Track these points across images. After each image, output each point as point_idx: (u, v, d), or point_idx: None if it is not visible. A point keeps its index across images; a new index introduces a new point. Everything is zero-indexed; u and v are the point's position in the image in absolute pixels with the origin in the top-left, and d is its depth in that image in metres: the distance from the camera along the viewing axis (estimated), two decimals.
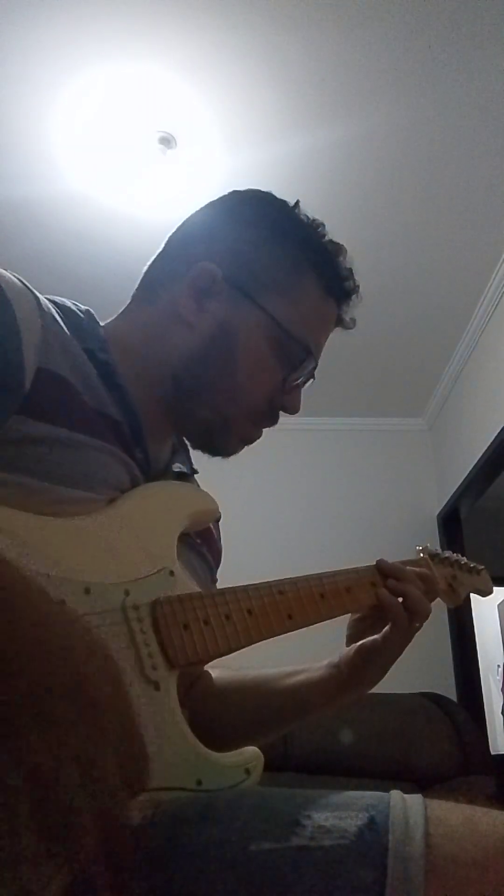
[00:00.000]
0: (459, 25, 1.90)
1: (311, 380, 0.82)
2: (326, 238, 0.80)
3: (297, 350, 0.76)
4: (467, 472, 3.16)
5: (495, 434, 2.84)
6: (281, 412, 0.80)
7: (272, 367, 0.76)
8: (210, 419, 0.76)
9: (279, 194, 0.82)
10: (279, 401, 0.78)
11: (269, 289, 0.76)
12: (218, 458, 0.81)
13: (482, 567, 0.96)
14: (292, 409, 0.80)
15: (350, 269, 0.81)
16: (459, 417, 3.38)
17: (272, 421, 0.80)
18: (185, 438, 0.84)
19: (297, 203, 0.81)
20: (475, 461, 3.06)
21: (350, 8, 1.86)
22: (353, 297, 0.82)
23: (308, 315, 0.77)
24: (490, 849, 0.45)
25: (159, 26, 1.92)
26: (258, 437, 0.81)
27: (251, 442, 0.81)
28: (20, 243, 2.64)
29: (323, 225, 0.81)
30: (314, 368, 0.80)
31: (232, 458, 0.81)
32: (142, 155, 2.28)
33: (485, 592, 0.96)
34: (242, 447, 0.81)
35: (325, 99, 2.11)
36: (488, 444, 2.92)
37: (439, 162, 2.31)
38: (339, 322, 0.83)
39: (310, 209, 0.81)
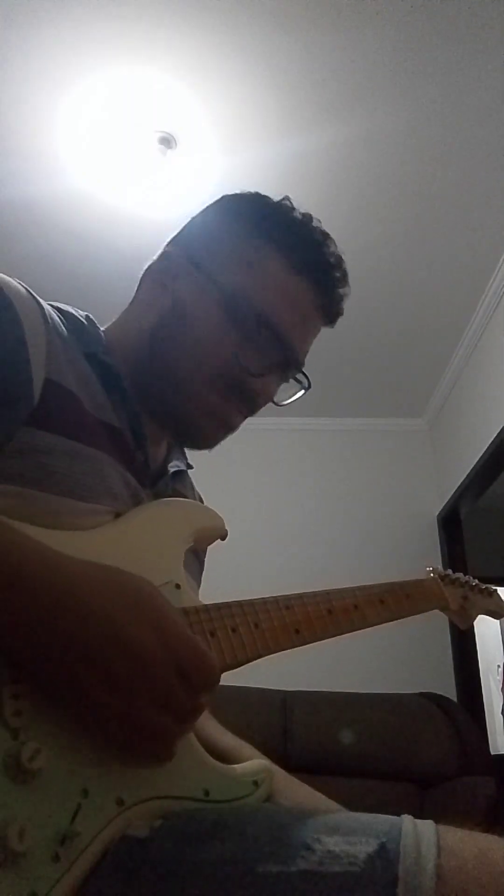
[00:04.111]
0: (459, 26, 1.90)
1: (292, 370, 0.78)
2: (313, 225, 0.78)
3: (251, 317, 0.73)
4: (467, 472, 3.15)
5: (495, 434, 2.84)
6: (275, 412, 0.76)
7: (224, 333, 0.73)
8: (173, 399, 0.74)
9: (278, 194, 0.80)
10: (247, 380, 0.74)
11: (225, 263, 0.75)
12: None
13: (494, 588, 0.94)
14: (263, 396, 0.76)
15: (337, 258, 0.78)
16: (459, 417, 3.38)
17: (241, 397, 0.75)
18: (173, 436, 0.82)
19: (285, 197, 0.80)
20: (475, 461, 3.06)
21: (349, 9, 1.86)
22: (337, 283, 0.78)
23: (268, 287, 0.74)
24: (503, 885, 0.43)
25: (160, 30, 1.93)
26: (234, 419, 0.76)
27: (225, 424, 0.76)
28: (22, 243, 2.64)
29: (309, 215, 0.79)
30: (287, 353, 0.76)
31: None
32: (142, 155, 2.28)
33: (497, 614, 0.93)
34: (218, 433, 0.77)
35: (324, 100, 2.11)
36: (488, 444, 2.92)
37: (439, 162, 2.31)
38: (323, 311, 0.79)
39: (309, 209, 0.80)
